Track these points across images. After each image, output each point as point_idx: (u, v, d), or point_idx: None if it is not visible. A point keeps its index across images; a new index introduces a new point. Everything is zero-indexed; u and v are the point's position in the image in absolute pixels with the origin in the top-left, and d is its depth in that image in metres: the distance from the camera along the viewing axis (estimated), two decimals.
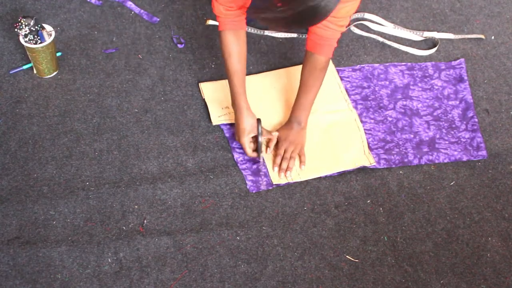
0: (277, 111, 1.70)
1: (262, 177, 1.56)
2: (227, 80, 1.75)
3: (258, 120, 1.56)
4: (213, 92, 1.72)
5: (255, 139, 1.58)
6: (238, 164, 1.58)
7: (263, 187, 1.54)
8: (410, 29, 1.97)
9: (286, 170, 1.56)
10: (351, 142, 1.64)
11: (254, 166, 1.57)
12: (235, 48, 1.54)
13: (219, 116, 1.67)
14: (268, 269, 1.41)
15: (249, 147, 1.56)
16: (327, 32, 1.49)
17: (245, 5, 1.49)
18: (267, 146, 1.61)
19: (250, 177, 1.56)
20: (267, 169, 1.58)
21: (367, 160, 1.60)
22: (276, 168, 1.57)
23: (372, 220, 1.51)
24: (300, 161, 1.59)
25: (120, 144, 1.61)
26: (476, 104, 1.78)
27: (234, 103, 1.58)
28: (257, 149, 1.57)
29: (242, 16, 1.53)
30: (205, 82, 1.75)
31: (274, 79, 1.77)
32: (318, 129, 1.66)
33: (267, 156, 1.60)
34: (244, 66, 1.56)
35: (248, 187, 1.54)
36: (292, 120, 1.61)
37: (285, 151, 1.59)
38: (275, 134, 1.61)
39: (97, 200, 1.49)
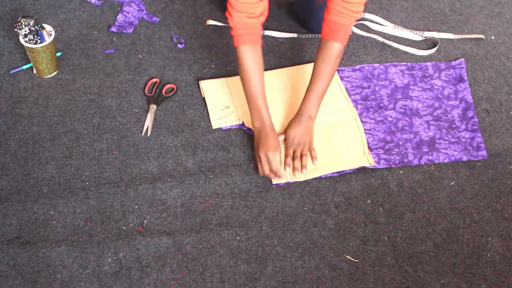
0: (278, 110, 1.70)
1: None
2: (226, 78, 1.75)
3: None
4: (213, 90, 1.72)
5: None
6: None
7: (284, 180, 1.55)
8: (410, 29, 1.97)
9: (302, 169, 1.56)
10: (351, 142, 1.64)
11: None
12: (255, 64, 1.52)
13: (218, 118, 1.67)
14: (268, 269, 1.41)
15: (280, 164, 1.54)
16: (341, 18, 1.51)
17: (265, 11, 1.49)
18: None
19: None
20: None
21: (367, 160, 1.60)
22: (288, 169, 1.57)
23: (372, 220, 1.51)
24: (312, 157, 1.59)
25: (120, 144, 1.61)
26: (476, 104, 1.78)
27: (259, 121, 1.55)
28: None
29: (260, 28, 1.52)
30: (205, 80, 1.75)
31: (274, 78, 1.77)
32: (318, 128, 1.66)
33: None
34: (263, 82, 1.55)
35: (273, 182, 1.55)
36: (303, 112, 1.60)
37: (294, 151, 1.58)
38: (281, 138, 1.61)
39: (97, 200, 1.49)
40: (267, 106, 1.56)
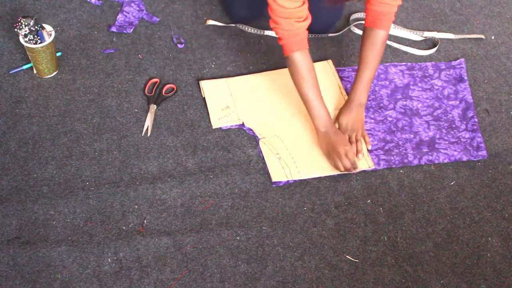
0: (278, 111, 1.70)
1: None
2: (227, 79, 1.75)
3: None
4: (213, 91, 1.72)
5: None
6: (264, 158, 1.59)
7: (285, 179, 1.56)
8: (410, 29, 1.97)
9: (358, 153, 1.59)
10: None
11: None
12: (308, 69, 1.55)
13: (219, 118, 1.67)
14: (268, 269, 1.41)
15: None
16: (383, 8, 1.57)
17: (308, 15, 1.52)
18: None
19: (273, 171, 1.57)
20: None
21: (366, 163, 1.60)
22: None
23: (372, 220, 1.51)
24: (366, 142, 1.62)
25: (120, 144, 1.61)
26: (476, 104, 1.78)
27: (324, 125, 1.58)
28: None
29: (306, 32, 1.54)
30: (205, 80, 1.75)
31: (274, 78, 1.77)
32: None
33: (265, 152, 1.60)
34: (318, 84, 1.58)
35: (273, 180, 1.55)
36: (353, 99, 1.64)
37: (349, 137, 1.61)
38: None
39: (97, 200, 1.49)
40: (325, 107, 1.59)
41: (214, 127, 1.65)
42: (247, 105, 1.70)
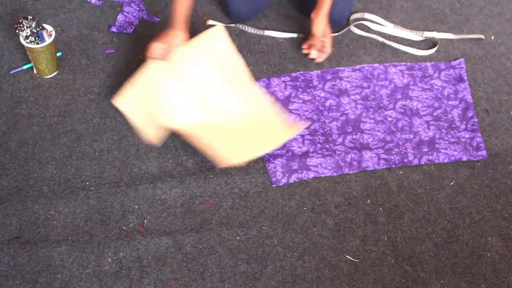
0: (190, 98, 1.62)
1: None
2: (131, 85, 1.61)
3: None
4: (131, 106, 1.57)
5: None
6: (268, 160, 1.58)
7: (284, 180, 1.55)
8: (410, 29, 1.97)
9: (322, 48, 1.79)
10: (268, 119, 1.60)
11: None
12: None
13: (155, 132, 1.57)
14: (268, 269, 1.41)
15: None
16: None
17: None
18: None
19: (277, 171, 1.56)
20: None
21: (290, 131, 1.56)
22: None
23: (372, 220, 1.51)
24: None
25: (120, 144, 1.61)
26: (476, 104, 1.78)
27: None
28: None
29: None
30: (117, 99, 1.56)
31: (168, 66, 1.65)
32: (234, 117, 1.60)
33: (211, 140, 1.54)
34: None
35: (273, 179, 1.55)
36: (322, 9, 1.76)
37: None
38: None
39: (97, 200, 1.49)
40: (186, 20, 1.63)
41: (156, 142, 1.57)
42: (161, 106, 1.59)
